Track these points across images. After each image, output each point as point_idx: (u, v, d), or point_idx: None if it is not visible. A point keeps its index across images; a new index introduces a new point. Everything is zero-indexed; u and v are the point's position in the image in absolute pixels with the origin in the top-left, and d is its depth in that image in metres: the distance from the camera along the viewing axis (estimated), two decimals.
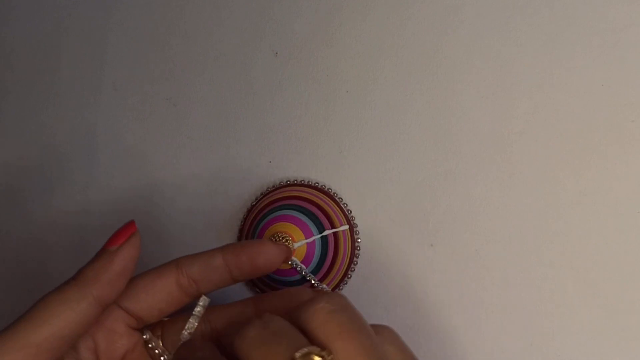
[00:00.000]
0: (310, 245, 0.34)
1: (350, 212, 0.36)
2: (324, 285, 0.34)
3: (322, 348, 0.20)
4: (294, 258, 0.34)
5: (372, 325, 0.22)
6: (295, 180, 0.37)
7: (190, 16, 0.40)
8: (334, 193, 0.36)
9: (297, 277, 0.34)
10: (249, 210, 0.37)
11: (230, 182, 0.38)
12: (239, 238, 0.37)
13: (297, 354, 0.20)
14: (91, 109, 0.40)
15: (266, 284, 0.35)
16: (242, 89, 0.38)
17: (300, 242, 0.34)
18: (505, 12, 0.36)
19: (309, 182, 0.37)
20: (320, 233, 0.34)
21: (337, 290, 0.35)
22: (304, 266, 0.34)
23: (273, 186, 0.37)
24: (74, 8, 0.41)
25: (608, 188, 0.34)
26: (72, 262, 0.40)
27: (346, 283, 0.36)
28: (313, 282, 0.34)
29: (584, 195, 0.34)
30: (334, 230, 0.34)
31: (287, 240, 0.33)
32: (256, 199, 0.37)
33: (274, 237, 0.33)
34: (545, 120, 0.35)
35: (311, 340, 0.21)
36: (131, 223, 0.28)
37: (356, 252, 0.35)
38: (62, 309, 0.26)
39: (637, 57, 0.34)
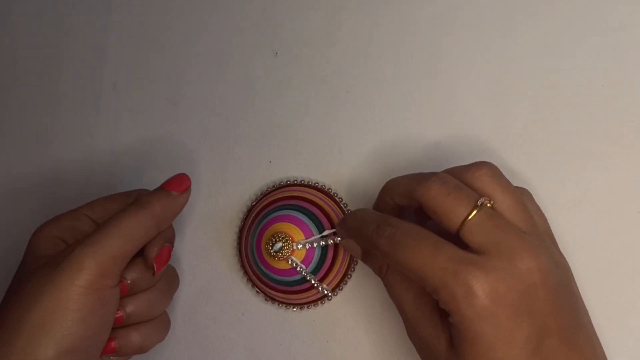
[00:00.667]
0: None
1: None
2: (324, 285, 0.34)
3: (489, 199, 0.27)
4: (294, 258, 0.34)
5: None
6: (295, 180, 0.37)
7: (190, 16, 0.40)
8: (334, 193, 0.36)
9: (297, 277, 0.34)
10: (249, 210, 0.37)
11: (230, 182, 0.38)
12: (239, 238, 0.37)
13: (479, 201, 0.26)
14: (91, 109, 0.40)
15: (266, 283, 0.35)
16: (242, 89, 0.38)
17: (301, 242, 0.34)
18: (505, 12, 0.36)
19: (309, 182, 0.37)
20: (320, 233, 0.34)
21: (336, 290, 0.35)
22: (304, 266, 0.34)
23: (273, 186, 0.37)
24: (74, 8, 0.41)
25: (608, 188, 0.34)
26: None
27: (346, 283, 0.36)
28: (313, 282, 0.34)
29: (584, 195, 0.34)
30: (334, 230, 0.34)
31: (287, 240, 0.33)
32: (256, 198, 0.37)
33: (274, 237, 0.33)
34: (545, 121, 0.35)
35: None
36: (186, 176, 0.33)
37: None
38: (139, 232, 0.30)
39: (637, 57, 0.34)
